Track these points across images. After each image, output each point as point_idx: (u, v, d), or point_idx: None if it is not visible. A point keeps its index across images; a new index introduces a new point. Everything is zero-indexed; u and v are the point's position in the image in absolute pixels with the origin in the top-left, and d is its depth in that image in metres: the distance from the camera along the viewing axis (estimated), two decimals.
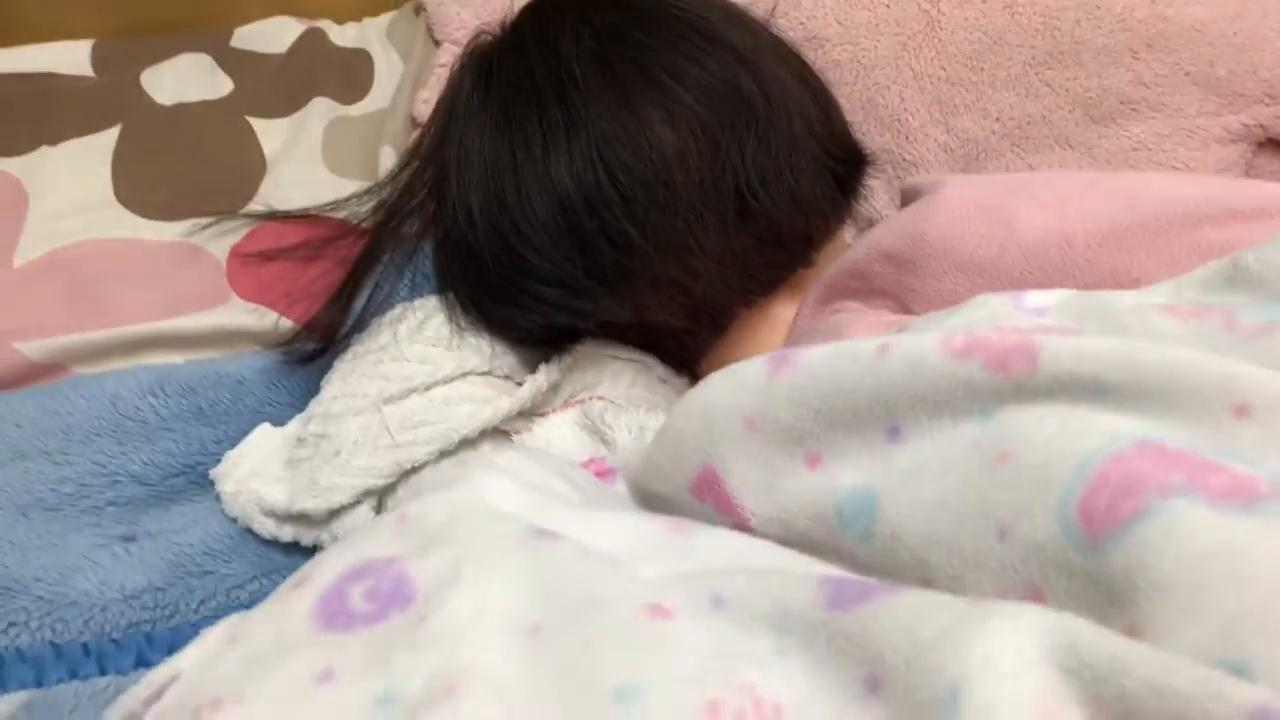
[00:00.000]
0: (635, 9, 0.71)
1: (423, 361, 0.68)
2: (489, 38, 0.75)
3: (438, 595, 0.40)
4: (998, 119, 0.87)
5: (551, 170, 0.66)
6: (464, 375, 0.68)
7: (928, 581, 0.43)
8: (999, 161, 0.87)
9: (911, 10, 0.89)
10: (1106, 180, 0.64)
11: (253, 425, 0.71)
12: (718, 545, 0.45)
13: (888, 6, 0.89)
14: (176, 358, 0.75)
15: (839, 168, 0.71)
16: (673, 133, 0.66)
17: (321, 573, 0.43)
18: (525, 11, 0.75)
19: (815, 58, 0.85)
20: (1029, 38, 0.87)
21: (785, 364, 0.50)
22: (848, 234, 0.81)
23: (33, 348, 0.74)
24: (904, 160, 0.90)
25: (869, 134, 0.85)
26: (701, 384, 0.52)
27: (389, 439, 0.66)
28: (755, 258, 0.68)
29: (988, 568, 0.40)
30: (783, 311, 0.71)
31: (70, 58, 0.95)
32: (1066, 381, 0.42)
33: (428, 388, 0.67)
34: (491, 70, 0.72)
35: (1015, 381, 0.44)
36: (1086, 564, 0.37)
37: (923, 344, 0.46)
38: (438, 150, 0.74)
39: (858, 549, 0.46)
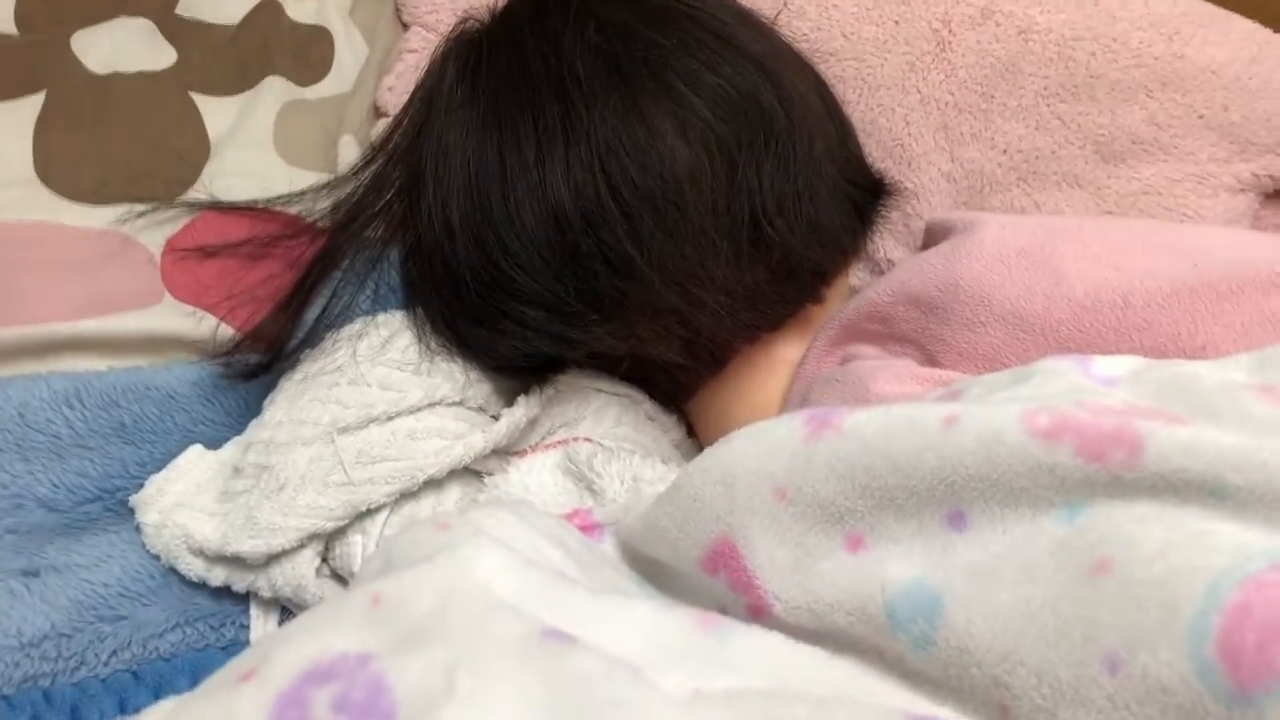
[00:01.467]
0: (645, 5, 0.62)
1: (385, 387, 0.59)
2: (476, 24, 0.66)
3: (427, 713, 0.32)
4: (1005, 151, 0.81)
5: (546, 179, 0.58)
6: (432, 405, 0.59)
7: (1004, 710, 0.36)
8: (1004, 196, 0.81)
9: (922, 29, 0.82)
10: (1165, 232, 0.58)
11: (183, 447, 0.62)
12: (755, 652, 0.38)
13: (897, 24, 0.82)
14: (98, 364, 0.65)
15: (858, 195, 0.64)
16: (686, 146, 0.57)
17: (276, 667, 0.34)
18: (520, 1, 0.66)
19: (820, 71, 0.77)
20: (1042, 67, 0.80)
21: (827, 427, 0.43)
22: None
23: None
24: (904, 188, 0.83)
25: (869, 157, 0.78)
26: (723, 442, 0.44)
27: (342, 475, 0.56)
28: (765, 291, 0.60)
29: (1091, 704, 0.33)
30: (786, 350, 0.63)
31: None
32: (1175, 480, 0.36)
33: (390, 418, 0.58)
34: (480, 61, 0.63)
35: (1112, 474, 0.37)
36: (1232, 718, 0.30)
37: (1000, 420, 0.39)
38: (412, 147, 0.64)
39: (911, 655, 0.38)
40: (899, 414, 0.42)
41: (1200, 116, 0.80)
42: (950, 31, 0.81)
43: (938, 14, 0.82)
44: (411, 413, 0.58)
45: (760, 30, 0.65)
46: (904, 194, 0.83)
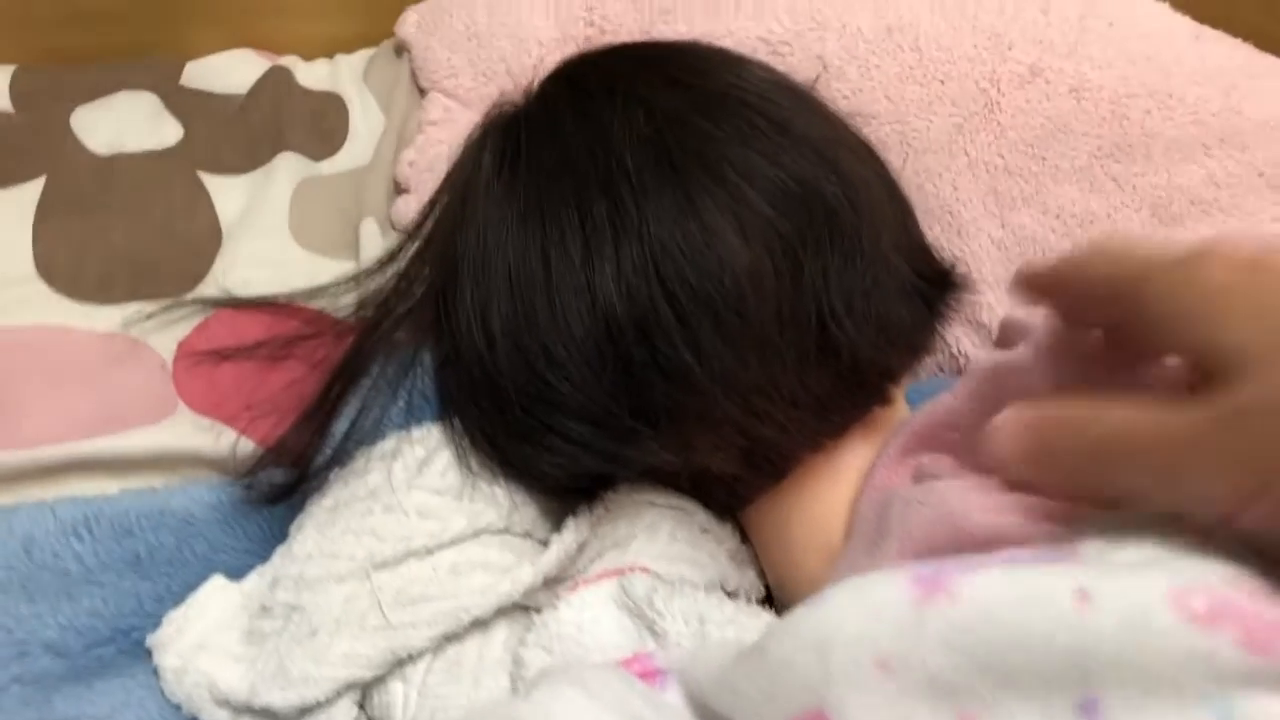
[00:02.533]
0: (696, 90, 0.57)
1: (424, 515, 0.53)
2: (511, 107, 0.60)
3: None
4: (1058, 215, 0.75)
5: (595, 283, 0.52)
6: (476, 534, 0.53)
7: None
8: None
9: (969, 89, 0.76)
10: None
11: (201, 578, 0.56)
12: None
13: (943, 83, 0.76)
14: (109, 485, 0.59)
15: (925, 288, 0.58)
16: (746, 246, 0.52)
17: None
18: (557, 80, 0.61)
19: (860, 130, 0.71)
20: (1095, 126, 0.75)
21: (939, 591, 0.37)
22: None
23: None
24: (953, 257, 0.77)
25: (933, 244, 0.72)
26: (818, 601, 0.39)
27: (380, 618, 0.51)
28: (830, 396, 0.54)
29: None
30: (851, 458, 0.58)
31: None
32: None
33: (430, 551, 0.52)
34: (519, 149, 0.57)
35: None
36: None
37: (1144, 599, 0.34)
38: (447, 243, 0.59)
39: None
40: (1023, 583, 0.37)
41: (1261, 175, 0.75)
42: (999, 91, 0.76)
43: (985, 72, 0.76)
44: (453, 544, 0.53)
45: (817, 110, 0.59)
46: (973, 284, 0.78)
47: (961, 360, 0.77)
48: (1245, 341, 0.33)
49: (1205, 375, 0.34)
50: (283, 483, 0.56)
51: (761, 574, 0.60)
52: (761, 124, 0.55)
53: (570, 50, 0.82)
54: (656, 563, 0.55)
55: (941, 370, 0.76)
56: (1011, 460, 0.38)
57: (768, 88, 0.57)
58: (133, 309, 0.63)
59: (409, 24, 0.84)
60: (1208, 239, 0.36)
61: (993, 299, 0.76)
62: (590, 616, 0.51)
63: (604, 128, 0.55)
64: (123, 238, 0.67)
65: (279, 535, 0.56)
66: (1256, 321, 0.33)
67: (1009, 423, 0.38)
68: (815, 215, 0.53)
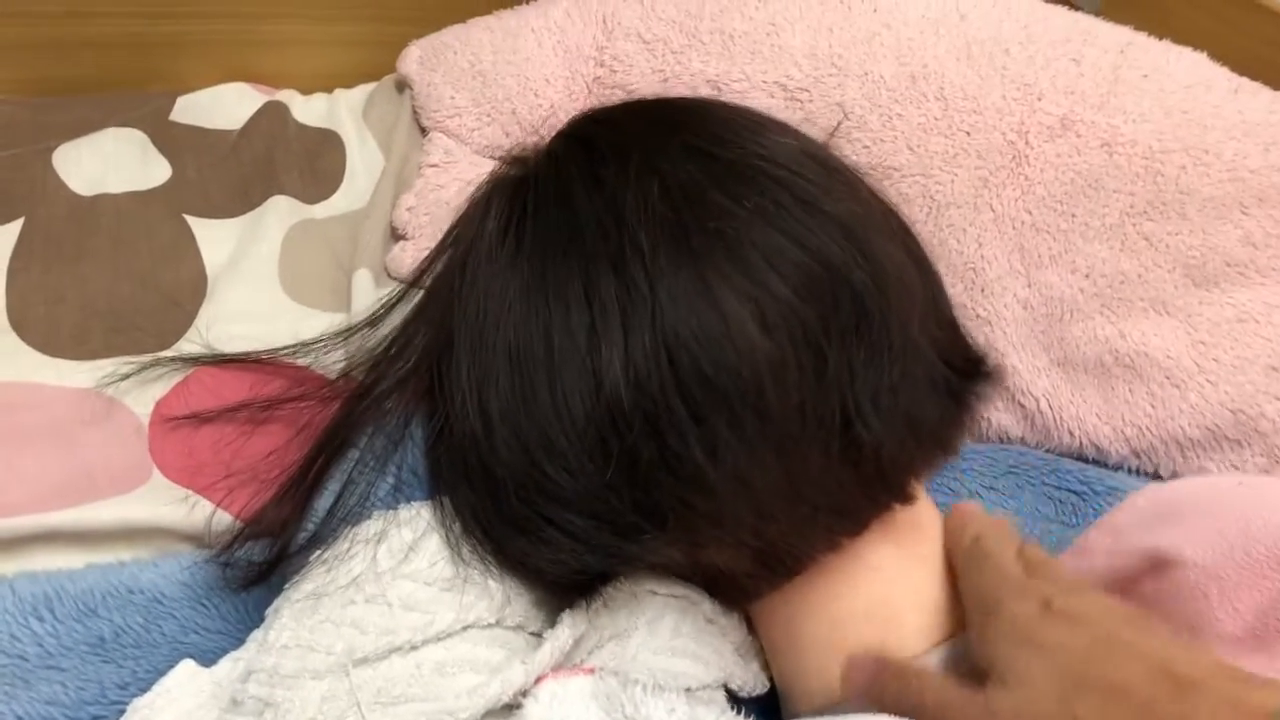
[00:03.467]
0: (716, 160, 0.52)
1: (409, 607, 0.49)
2: (519, 166, 0.56)
3: None
4: (1087, 275, 0.71)
5: (600, 368, 0.48)
6: (464, 629, 0.49)
7: None
8: (1086, 325, 0.71)
9: (995, 141, 0.72)
10: None
11: (171, 661, 0.51)
12: None
13: (968, 134, 0.72)
14: (75, 558, 0.55)
15: (955, 381, 0.54)
16: (766, 336, 0.47)
17: None
18: (568, 140, 0.56)
19: (882, 190, 0.67)
20: (1128, 183, 0.71)
21: None
22: None
23: None
24: (977, 316, 0.73)
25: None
26: None
27: (358, 719, 0.46)
28: (851, 496, 0.50)
29: None
30: (870, 556, 0.53)
31: None
32: None
33: (415, 646, 0.48)
34: (526, 214, 0.53)
35: None
36: None
37: None
38: (446, 309, 0.55)
39: None
40: None
41: None
42: (1027, 144, 0.72)
43: (1013, 124, 0.72)
44: (439, 640, 0.48)
45: (845, 182, 0.55)
46: (976, 321, 0.74)
47: (984, 425, 0.73)
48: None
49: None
50: (261, 561, 0.52)
51: (766, 666, 0.56)
52: (786, 200, 0.50)
53: (579, 90, 0.78)
54: (658, 657, 0.51)
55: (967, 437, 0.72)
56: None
57: (794, 157, 0.53)
58: (109, 365, 0.59)
59: (411, 59, 0.80)
60: None
61: (1017, 361, 0.72)
62: (562, 715, 0.46)
63: (616, 199, 0.50)
64: (102, 287, 0.63)
65: (254, 617, 0.52)
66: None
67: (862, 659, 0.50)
68: (841, 303, 0.48)
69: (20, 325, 0.61)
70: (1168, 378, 0.70)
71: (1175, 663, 0.42)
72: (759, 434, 0.46)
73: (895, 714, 0.45)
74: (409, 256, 0.70)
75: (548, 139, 0.57)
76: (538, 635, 0.51)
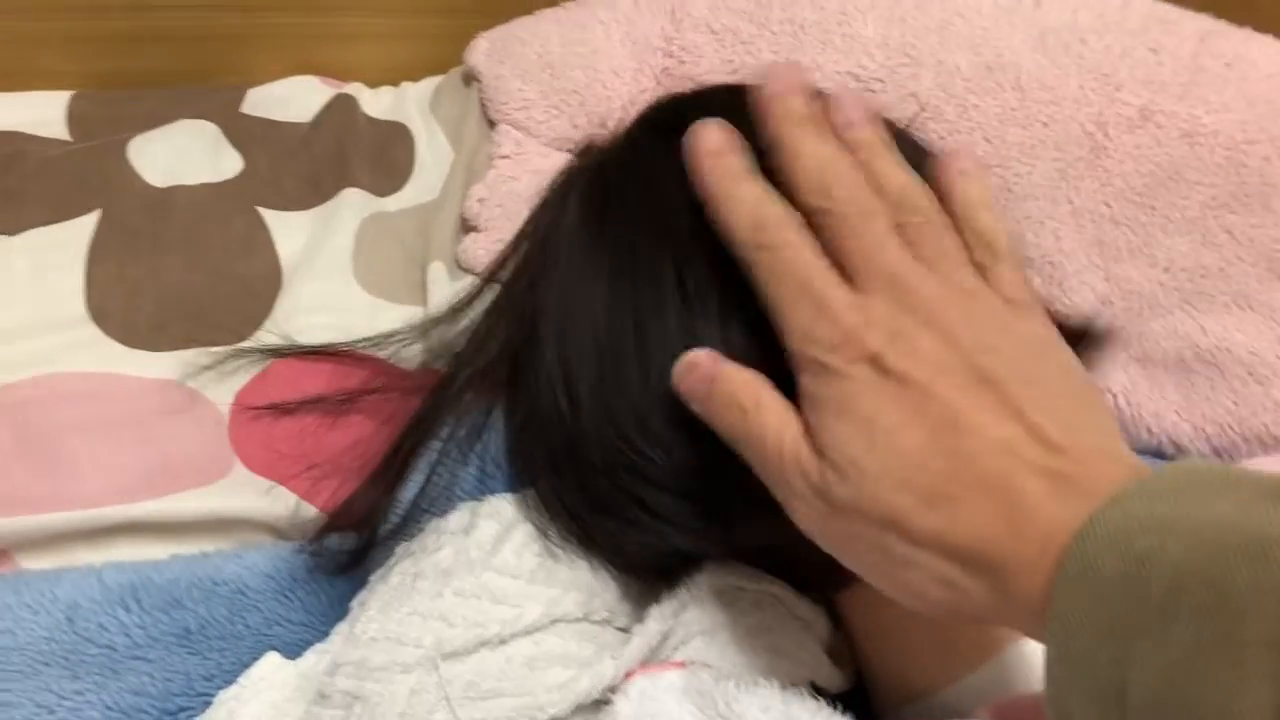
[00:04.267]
0: None
1: (497, 600, 0.48)
2: (598, 152, 0.56)
3: None
4: (1167, 269, 0.70)
5: (695, 344, 0.47)
6: (553, 623, 0.48)
7: None
8: (1166, 320, 0.70)
9: (1074, 132, 0.71)
10: None
11: (255, 654, 0.51)
12: None
13: (1046, 125, 0.71)
14: (158, 550, 0.55)
15: None
16: None
17: None
18: (648, 124, 0.56)
19: None
20: (1209, 175, 0.69)
21: None
22: None
23: None
24: (1054, 311, 0.71)
25: None
26: None
27: (448, 714, 0.46)
28: None
29: None
30: None
31: (43, 113, 0.73)
32: None
33: (504, 640, 0.47)
34: (608, 197, 0.52)
35: None
36: None
37: None
38: (526, 296, 0.54)
39: None
40: None
41: None
42: (1105, 135, 0.70)
43: (1091, 115, 0.71)
44: (528, 633, 0.48)
45: (927, 159, 0.54)
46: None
47: None
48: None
49: None
50: (351, 549, 0.51)
51: (852, 661, 0.55)
52: None
53: (647, 81, 0.77)
54: (746, 654, 0.50)
55: None
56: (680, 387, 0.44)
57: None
58: (188, 355, 0.59)
59: (479, 52, 0.80)
60: None
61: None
62: (653, 711, 0.45)
63: None
64: (178, 278, 0.63)
65: (338, 609, 0.52)
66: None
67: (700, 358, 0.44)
68: None
69: (100, 316, 0.61)
70: (1250, 374, 0.68)
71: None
72: None
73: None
74: (480, 248, 0.69)
75: (616, 129, 0.56)
76: (625, 630, 0.51)
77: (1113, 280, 0.71)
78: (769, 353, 0.45)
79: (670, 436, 0.47)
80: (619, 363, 0.49)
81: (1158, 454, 0.70)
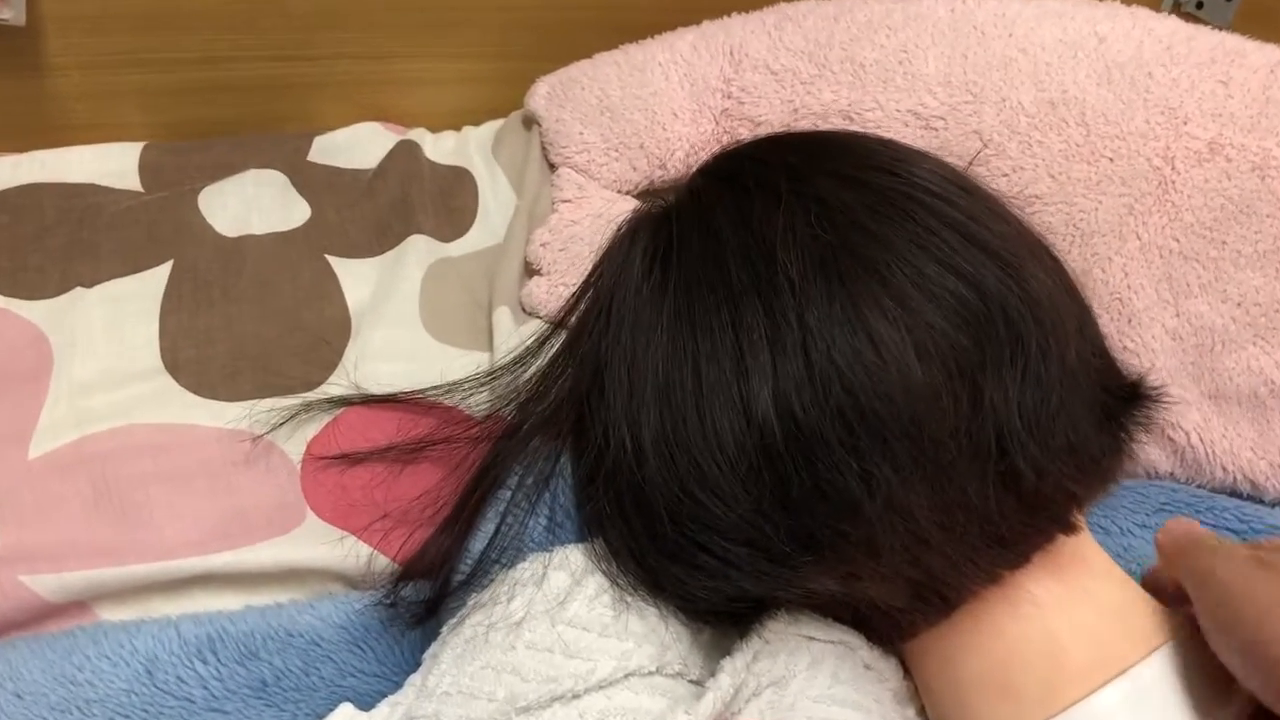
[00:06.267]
0: (865, 187, 0.51)
1: (570, 654, 0.48)
2: (662, 201, 0.56)
3: None
4: (1239, 304, 0.68)
5: (748, 397, 0.47)
6: (625, 677, 0.48)
7: None
8: (1239, 355, 0.68)
9: (1141, 166, 0.70)
10: None
11: (329, 706, 0.51)
12: None
13: (1112, 161, 0.70)
14: (233, 600, 0.55)
15: (1114, 405, 0.52)
16: (920, 365, 0.46)
17: None
18: (710, 175, 0.56)
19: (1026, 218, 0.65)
20: None
21: None
22: None
23: (45, 582, 0.53)
24: (1124, 348, 0.70)
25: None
26: None
27: None
28: (1011, 526, 0.48)
29: None
30: (1033, 588, 0.51)
31: (116, 164, 0.75)
32: None
33: (577, 695, 0.47)
34: (671, 248, 0.53)
35: None
36: None
37: None
38: (593, 345, 0.54)
39: None
40: None
41: None
42: (1173, 169, 0.69)
43: (1158, 149, 0.69)
44: (601, 688, 0.47)
45: (996, 210, 0.53)
46: (1122, 354, 0.71)
47: (1131, 461, 0.70)
48: None
49: None
50: (425, 599, 0.51)
51: (923, 711, 0.54)
52: (938, 226, 0.49)
53: (706, 123, 0.77)
54: (817, 705, 0.49)
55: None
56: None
57: (942, 184, 0.52)
58: (263, 405, 0.60)
59: (539, 95, 0.80)
60: None
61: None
62: None
63: (763, 229, 0.50)
64: (249, 328, 0.63)
65: (410, 660, 0.52)
66: None
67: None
68: (996, 330, 0.47)
69: (174, 367, 0.61)
70: None
71: None
72: (913, 462, 0.45)
73: (1184, 578, 0.46)
74: (544, 291, 0.69)
75: (675, 172, 0.56)
76: (697, 683, 0.50)
77: (1183, 316, 0.69)
78: (820, 401, 0.45)
79: (730, 487, 0.47)
80: (679, 413, 0.49)
81: (1233, 492, 0.69)
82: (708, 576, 0.49)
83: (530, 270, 0.71)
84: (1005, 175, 0.71)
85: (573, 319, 0.58)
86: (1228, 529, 0.64)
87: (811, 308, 0.47)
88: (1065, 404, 0.48)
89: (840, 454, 0.46)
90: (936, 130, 0.72)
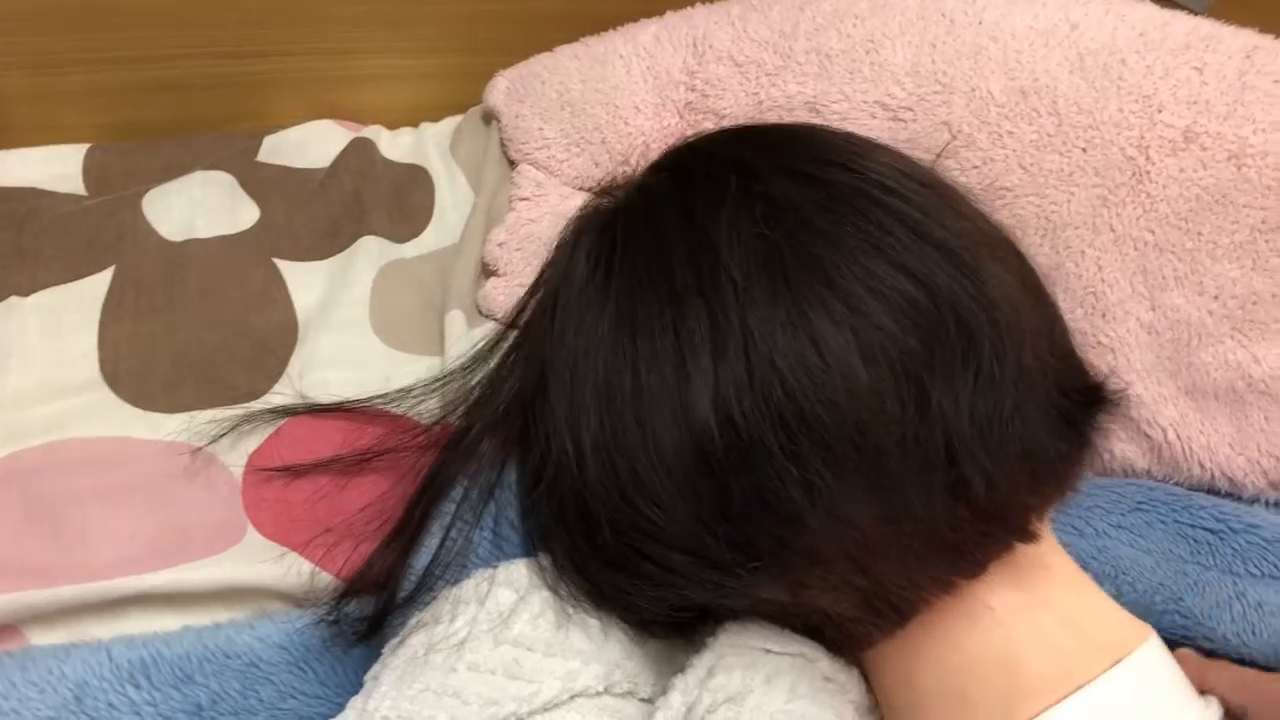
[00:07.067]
0: (815, 183, 0.49)
1: (512, 675, 0.46)
2: (610, 202, 0.54)
3: None
4: (1216, 296, 0.66)
5: (688, 402, 0.45)
6: (571, 698, 0.46)
7: None
8: (1216, 349, 0.66)
9: (1114, 157, 0.68)
10: None
11: None
12: None
13: (1084, 151, 0.68)
14: (169, 620, 0.53)
15: (1074, 410, 0.50)
16: (866, 368, 0.44)
17: None
18: (659, 170, 0.54)
19: (992, 212, 0.63)
20: (1259, 198, 0.66)
21: None
22: None
23: None
24: (1098, 343, 0.68)
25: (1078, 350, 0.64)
26: None
27: None
28: (964, 534, 0.46)
29: None
30: (990, 599, 0.49)
31: (59, 167, 0.72)
32: None
33: (520, 718, 0.45)
34: (614, 248, 0.51)
35: None
36: None
37: None
38: (536, 348, 0.52)
39: None
40: None
41: None
42: (1147, 159, 0.67)
43: (1132, 138, 0.67)
44: (546, 710, 0.45)
45: (953, 205, 0.51)
46: (1097, 349, 0.69)
47: (1107, 458, 0.68)
48: None
49: None
50: (369, 616, 0.50)
51: None
52: (889, 224, 0.47)
53: (670, 116, 0.75)
54: None
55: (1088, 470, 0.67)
56: None
57: (898, 180, 0.50)
58: (202, 417, 0.58)
59: (498, 90, 0.78)
60: None
61: (1142, 390, 0.67)
62: None
63: (706, 225, 0.48)
64: (193, 335, 0.61)
65: (353, 681, 0.50)
66: None
67: None
68: (947, 332, 0.45)
69: (112, 378, 0.59)
70: None
71: None
72: (856, 470, 0.43)
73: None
74: (501, 293, 0.67)
75: (637, 167, 0.55)
76: (649, 701, 0.48)
77: (1159, 309, 0.67)
78: (761, 406, 0.43)
79: (669, 495, 0.46)
80: (619, 419, 0.47)
81: (1211, 489, 0.67)
82: (651, 586, 0.47)
83: (487, 271, 0.69)
84: (975, 167, 0.69)
85: (523, 320, 0.56)
86: (1204, 528, 0.63)
87: (754, 309, 0.45)
88: (1020, 409, 0.46)
89: (781, 461, 0.44)
90: (905, 122, 0.70)
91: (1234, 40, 0.69)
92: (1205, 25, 0.70)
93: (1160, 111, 0.67)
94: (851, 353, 0.44)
